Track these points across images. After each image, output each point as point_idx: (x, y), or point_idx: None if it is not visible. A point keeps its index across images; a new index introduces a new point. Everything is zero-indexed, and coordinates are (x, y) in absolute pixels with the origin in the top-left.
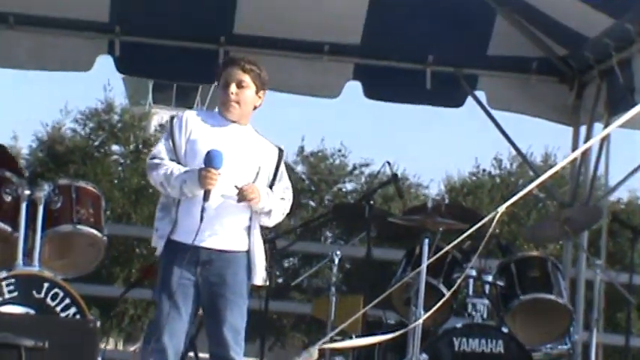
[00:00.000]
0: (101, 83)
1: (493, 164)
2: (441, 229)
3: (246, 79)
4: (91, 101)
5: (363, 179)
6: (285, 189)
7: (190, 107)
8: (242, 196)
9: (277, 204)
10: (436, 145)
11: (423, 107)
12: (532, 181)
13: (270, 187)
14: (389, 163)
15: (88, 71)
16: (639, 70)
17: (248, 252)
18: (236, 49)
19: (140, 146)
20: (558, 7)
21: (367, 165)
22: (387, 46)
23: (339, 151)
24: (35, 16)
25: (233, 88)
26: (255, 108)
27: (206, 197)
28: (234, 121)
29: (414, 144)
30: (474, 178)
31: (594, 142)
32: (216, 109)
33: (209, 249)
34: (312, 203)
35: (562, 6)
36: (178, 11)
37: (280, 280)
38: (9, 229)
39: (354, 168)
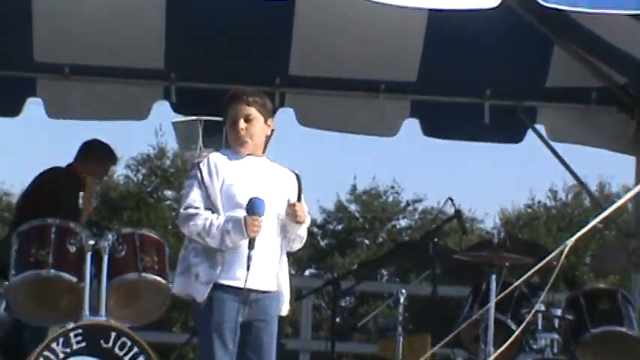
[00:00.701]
0: (152, 128)
1: (548, 196)
2: (507, 264)
3: (252, 111)
4: (143, 147)
5: (417, 215)
6: (307, 214)
7: None
8: (296, 213)
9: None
10: (489, 178)
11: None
12: (590, 211)
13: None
14: (451, 199)
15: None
16: None
17: (278, 287)
18: (291, 91)
19: None
20: (617, 32)
21: (420, 201)
22: (443, 81)
23: (392, 188)
24: (90, 66)
25: (242, 123)
26: (268, 138)
27: (251, 245)
28: (252, 155)
29: (466, 178)
30: (529, 210)
31: None
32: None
33: (256, 290)
34: (366, 241)
35: (620, 30)
36: (233, 55)
37: (338, 320)
38: (74, 279)
39: (408, 204)
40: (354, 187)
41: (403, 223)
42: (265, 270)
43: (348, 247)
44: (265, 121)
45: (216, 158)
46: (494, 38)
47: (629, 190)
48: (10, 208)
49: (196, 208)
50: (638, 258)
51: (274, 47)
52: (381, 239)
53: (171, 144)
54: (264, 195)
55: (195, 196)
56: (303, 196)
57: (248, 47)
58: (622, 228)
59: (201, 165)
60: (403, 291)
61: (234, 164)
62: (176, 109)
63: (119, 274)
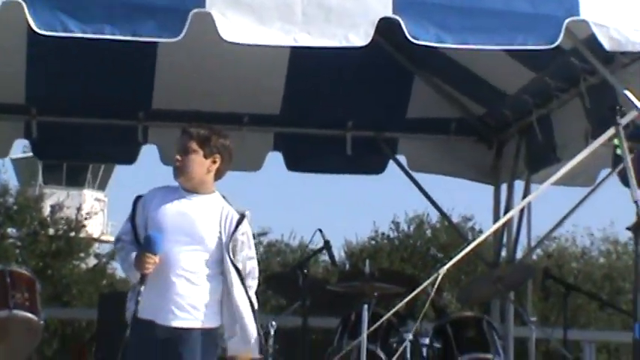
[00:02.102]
0: None
1: (391, 227)
2: (376, 293)
3: (192, 144)
4: None
5: (261, 249)
6: (248, 259)
7: (81, 187)
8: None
9: (253, 298)
10: (334, 211)
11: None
12: (431, 241)
13: (232, 260)
14: (320, 230)
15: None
16: (559, 125)
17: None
18: (155, 124)
19: (37, 228)
20: (479, 61)
21: (265, 234)
22: (306, 113)
23: None
24: None
25: (177, 155)
26: (216, 174)
27: (142, 281)
28: (193, 191)
29: (311, 211)
30: (373, 242)
31: (517, 210)
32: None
33: (169, 327)
34: None
35: (483, 60)
36: (95, 90)
37: None
38: None
39: (253, 237)
40: None
41: None
42: (185, 306)
43: None
44: (206, 156)
45: (153, 192)
46: (356, 70)
47: (468, 219)
48: None
49: (123, 241)
50: (503, 285)
51: (137, 81)
52: None
53: (13, 181)
54: (186, 231)
55: (123, 229)
56: (243, 235)
57: (111, 81)
58: (485, 258)
59: (139, 198)
60: (274, 323)
61: (168, 199)
62: (36, 148)
63: None
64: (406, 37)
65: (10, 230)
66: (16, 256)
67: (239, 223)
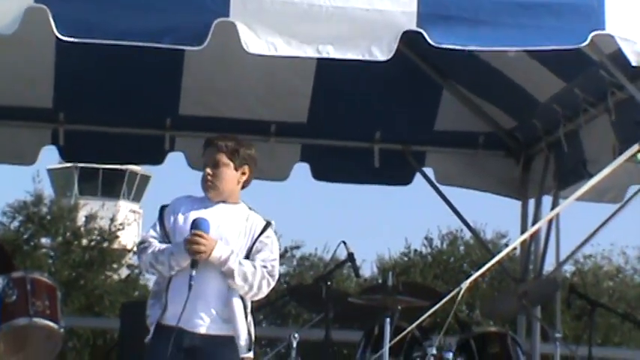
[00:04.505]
0: (29, 175)
1: (424, 243)
2: (399, 307)
3: (223, 157)
4: (20, 193)
5: (294, 262)
6: (267, 261)
7: (117, 197)
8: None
9: (249, 271)
10: (367, 225)
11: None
12: (464, 258)
13: (247, 256)
14: (344, 242)
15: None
16: (588, 141)
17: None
18: (181, 133)
19: (70, 238)
20: (511, 66)
21: (298, 247)
22: (333, 124)
23: None
24: None
25: (209, 169)
26: (244, 185)
27: (194, 265)
28: (221, 201)
29: (343, 225)
30: (406, 258)
31: (544, 222)
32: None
33: (194, 333)
34: None
35: (514, 65)
36: (123, 95)
37: None
38: None
39: (286, 251)
40: None
41: (281, 269)
42: (205, 313)
43: None
44: (236, 168)
45: (178, 200)
46: (384, 82)
47: (502, 236)
48: None
49: (149, 242)
50: (527, 300)
51: (164, 87)
52: None
53: (49, 190)
54: (214, 238)
55: (151, 233)
56: (268, 238)
57: (138, 88)
58: (511, 273)
59: (166, 207)
60: (296, 335)
61: (195, 208)
62: (64, 153)
63: (9, 319)
64: (431, 46)
65: (44, 240)
66: (49, 266)
67: (264, 229)
